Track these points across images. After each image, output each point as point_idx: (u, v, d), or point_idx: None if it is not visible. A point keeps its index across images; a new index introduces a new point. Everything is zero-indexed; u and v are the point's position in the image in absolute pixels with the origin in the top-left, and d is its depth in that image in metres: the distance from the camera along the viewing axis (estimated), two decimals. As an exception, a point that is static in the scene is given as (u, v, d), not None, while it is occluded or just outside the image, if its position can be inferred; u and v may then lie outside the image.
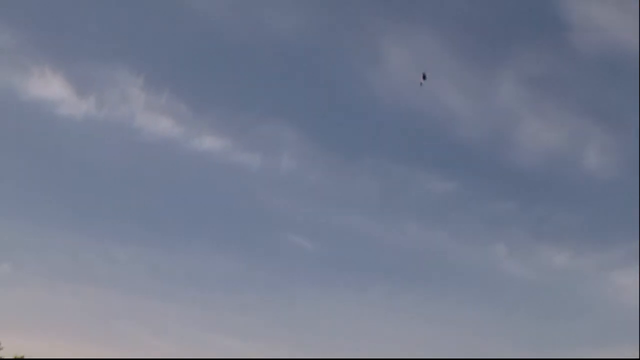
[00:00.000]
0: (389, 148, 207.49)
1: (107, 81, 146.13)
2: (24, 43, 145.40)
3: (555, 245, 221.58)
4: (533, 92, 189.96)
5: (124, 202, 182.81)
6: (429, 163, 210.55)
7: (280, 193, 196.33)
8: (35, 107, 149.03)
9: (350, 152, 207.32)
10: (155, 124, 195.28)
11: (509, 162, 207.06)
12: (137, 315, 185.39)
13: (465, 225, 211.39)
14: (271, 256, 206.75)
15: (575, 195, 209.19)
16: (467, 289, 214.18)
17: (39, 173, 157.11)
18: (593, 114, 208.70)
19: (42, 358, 43.82)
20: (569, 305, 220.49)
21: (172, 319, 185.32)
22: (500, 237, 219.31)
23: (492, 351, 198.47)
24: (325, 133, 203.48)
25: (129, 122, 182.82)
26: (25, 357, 42.90)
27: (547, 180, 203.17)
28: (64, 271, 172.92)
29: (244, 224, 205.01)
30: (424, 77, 53.84)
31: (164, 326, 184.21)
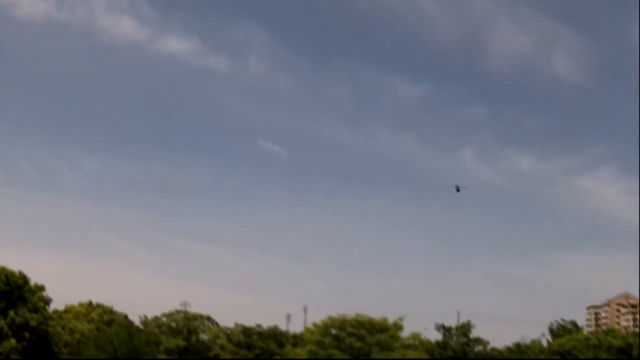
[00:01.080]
0: (361, 52, 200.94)
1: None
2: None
3: (521, 149, 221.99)
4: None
5: (87, 109, 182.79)
6: (401, 67, 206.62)
7: (249, 98, 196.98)
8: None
9: (321, 56, 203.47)
10: (118, 26, 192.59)
11: (480, 66, 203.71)
12: (110, 224, 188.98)
13: (435, 130, 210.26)
14: (243, 162, 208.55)
15: (543, 100, 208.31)
16: (435, 193, 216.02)
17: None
18: (566, 19, 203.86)
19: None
20: (534, 208, 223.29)
21: (144, 227, 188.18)
22: (469, 142, 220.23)
23: (459, 254, 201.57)
24: (296, 36, 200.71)
25: (90, 24, 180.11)
26: None
27: (516, 84, 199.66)
28: (32, 180, 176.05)
29: (212, 130, 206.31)
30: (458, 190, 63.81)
31: (136, 234, 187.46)
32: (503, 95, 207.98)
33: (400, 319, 45.91)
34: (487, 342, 78.81)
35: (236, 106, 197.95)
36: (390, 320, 45.81)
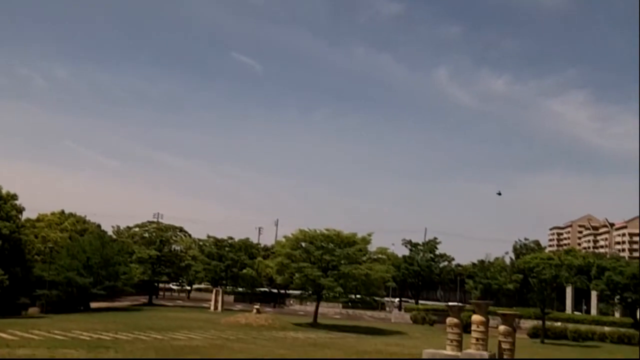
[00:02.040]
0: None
1: None
2: None
3: (495, 71, 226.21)
4: None
5: (59, 19, 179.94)
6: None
7: (224, 10, 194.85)
8: None
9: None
10: None
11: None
12: (83, 135, 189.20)
13: (411, 49, 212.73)
14: (216, 76, 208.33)
15: (519, 22, 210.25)
16: (410, 112, 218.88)
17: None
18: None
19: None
20: (506, 130, 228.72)
21: (117, 138, 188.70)
22: (444, 62, 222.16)
23: (430, 173, 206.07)
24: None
25: None
26: None
27: (493, 5, 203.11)
28: (3, 90, 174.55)
29: (186, 42, 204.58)
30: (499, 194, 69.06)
31: (110, 145, 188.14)
32: (480, 15, 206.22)
33: (369, 234, 46.89)
34: (452, 259, 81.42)
35: (210, 18, 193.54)
36: (359, 236, 46.71)
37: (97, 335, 27.85)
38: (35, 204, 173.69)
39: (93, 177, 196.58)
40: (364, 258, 46.65)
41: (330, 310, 64.17)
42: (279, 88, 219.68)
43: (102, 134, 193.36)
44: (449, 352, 23.18)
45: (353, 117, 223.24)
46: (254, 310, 44.29)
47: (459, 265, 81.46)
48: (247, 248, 70.14)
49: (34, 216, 69.44)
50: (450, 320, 23.93)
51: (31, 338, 25.44)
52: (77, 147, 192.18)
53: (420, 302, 74.18)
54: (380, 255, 48.79)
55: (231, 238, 69.10)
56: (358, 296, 53.01)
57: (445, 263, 79.85)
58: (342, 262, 44.58)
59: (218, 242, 67.87)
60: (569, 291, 68.06)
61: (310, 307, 53.00)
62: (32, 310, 48.12)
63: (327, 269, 45.28)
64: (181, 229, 72.29)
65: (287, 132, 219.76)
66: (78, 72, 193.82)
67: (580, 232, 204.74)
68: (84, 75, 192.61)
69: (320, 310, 51.20)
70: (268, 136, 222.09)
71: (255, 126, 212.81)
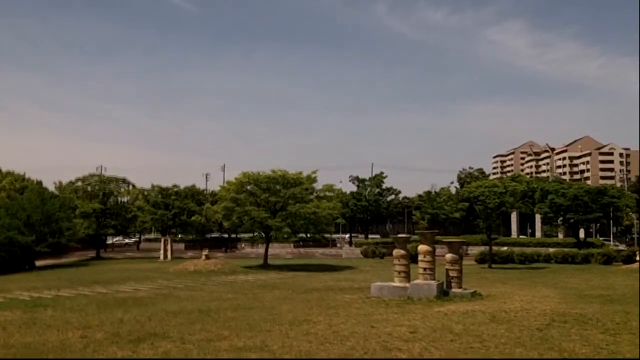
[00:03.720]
0: None
1: None
2: None
3: (433, 2, 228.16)
4: None
5: None
6: None
7: None
8: None
9: None
10: None
11: None
12: (15, 89, 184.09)
13: None
14: (152, 20, 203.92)
15: None
16: (350, 47, 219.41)
17: None
18: None
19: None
20: (445, 61, 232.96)
21: (52, 91, 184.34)
22: None
23: (373, 107, 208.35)
24: None
25: None
26: None
27: None
28: None
29: None
30: None
31: (44, 98, 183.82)
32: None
33: (314, 172, 46.49)
34: (399, 192, 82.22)
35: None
36: (305, 174, 46.25)
37: (38, 294, 26.90)
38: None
39: (30, 132, 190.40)
40: (311, 197, 46.36)
41: (282, 251, 64.25)
42: (216, 30, 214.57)
43: (36, 87, 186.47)
44: (397, 283, 23.15)
45: (294, 55, 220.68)
46: (203, 257, 43.76)
47: (405, 198, 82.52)
48: (193, 195, 69.18)
49: (-32, 177, 66.97)
50: (396, 252, 23.83)
51: (-35, 302, 24.35)
52: (11, 103, 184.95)
53: (370, 236, 75.00)
54: (327, 193, 48.59)
55: (176, 186, 67.96)
56: (308, 235, 53.02)
57: (392, 196, 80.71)
58: (289, 202, 44.20)
59: (163, 191, 66.70)
60: (514, 216, 69.70)
61: (262, 250, 52.79)
62: (-27, 273, 46.56)
63: (275, 211, 44.87)
64: (124, 180, 70.60)
65: (228, 74, 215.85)
66: (5, 25, 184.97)
67: (523, 158, 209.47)
68: (13, 28, 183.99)
69: (271, 251, 51.09)
70: (209, 79, 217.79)
71: (195, 70, 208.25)
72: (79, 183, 70.01)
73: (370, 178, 79.41)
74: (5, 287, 31.55)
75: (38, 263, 52.39)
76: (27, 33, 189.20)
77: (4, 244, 47.92)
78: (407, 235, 26.85)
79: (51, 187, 67.26)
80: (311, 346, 13.14)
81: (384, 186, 78.09)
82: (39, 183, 66.15)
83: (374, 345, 13.03)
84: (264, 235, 47.86)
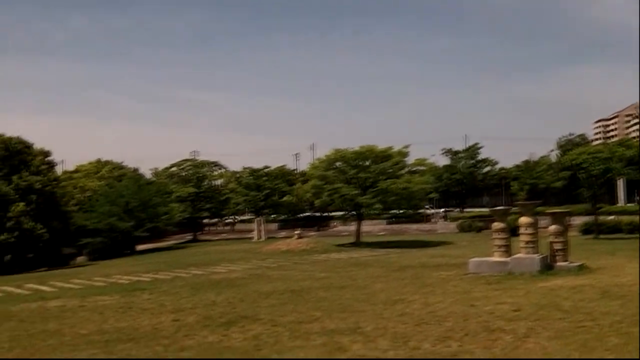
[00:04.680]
0: None
1: None
2: None
3: None
4: None
5: None
6: None
7: None
8: None
9: None
10: None
11: None
12: (107, 82, 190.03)
13: None
14: (233, 6, 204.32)
15: None
16: (435, 18, 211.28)
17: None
18: None
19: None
20: (539, 24, 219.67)
21: (142, 81, 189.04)
22: None
23: (463, 78, 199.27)
24: None
25: None
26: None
27: None
28: (20, 47, 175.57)
29: None
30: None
31: (135, 89, 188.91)
32: None
33: (405, 146, 45.21)
34: (496, 162, 79.42)
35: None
36: (395, 149, 45.14)
37: (137, 278, 27.41)
38: (72, 156, 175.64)
39: (125, 122, 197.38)
40: (402, 171, 45.24)
41: (375, 228, 63.43)
42: (296, 11, 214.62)
43: (126, 78, 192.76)
44: (496, 258, 21.93)
45: (377, 29, 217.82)
46: (295, 236, 43.67)
47: (502, 168, 79.57)
48: (284, 175, 69.42)
49: (71, 168, 69.97)
50: (495, 225, 22.59)
51: (69, 288, 25.05)
52: (105, 95, 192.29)
53: (466, 210, 72.95)
54: (419, 167, 47.35)
55: (267, 167, 68.28)
56: (401, 211, 52.02)
57: (489, 168, 78.12)
58: (380, 178, 43.27)
59: (254, 172, 67.12)
60: (620, 184, 65.80)
61: (354, 227, 52.22)
62: (80, 259, 48.61)
63: (365, 187, 44.06)
64: (216, 164, 71.86)
65: (310, 54, 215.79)
66: (95, 18, 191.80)
67: (628, 121, 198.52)
68: (102, 20, 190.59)
69: (364, 228, 50.41)
70: (291, 60, 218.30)
71: (277, 52, 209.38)
72: (174, 168, 71.81)
73: (464, 150, 77.22)
74: (107, 271, 32.50)
75: (138, 247, 54.07)
76: (114, 26, 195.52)
77: (105, 230, 49.73)
78: (507, 207, 25.51)
79: (147, 174, 69.33)
80: (406, 328, 12.36)
81: (479, 158, 75.76)
82: (136, 170, 68.23)
83: (474, 326, 12.09)
84: (354, 212, 47.25)
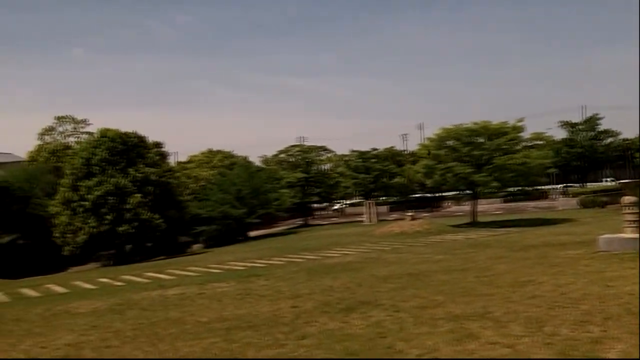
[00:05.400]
0: None
1: None
2: None
3: None
4: None
5: None
6: None
7: None
8: None
9: None
10: None
11: None
12: (213, 74, 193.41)
13: None
14: None
15: None
16: None
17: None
18: None
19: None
20: None
21: (246, 71, 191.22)
22: None
23: (573, 46, 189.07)
24: None
25: None
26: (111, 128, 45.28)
27: None
28: (130, 45, 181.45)
29: None
30: None
31: (240, 79, 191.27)
32: None
33: (520, 120, 43.06)
34: (618, 133, 74.74)
35: None
36: (510, 124, 43.12)
37: (252, 264, 27.54)
38: (183, 147, 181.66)
39: (233, 112, 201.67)
40: (518, 147, 43.19)
41: (490, 207, 61.40)
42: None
43: (230, 69, 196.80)
44: (628, 234, 20.17)
45: (471, 3, 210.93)
46: (408, 218, 42.73)
47: (626, 139, 74.77)
48: (393, 156, 68.48)
49: (184, 159, 72.14)
50: (626, 199, 20.76)
51: (187, 275, 25.46)
52: (211, 87, 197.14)
53: (587, 184, 69.27)
54: (536, 142, 45.09)
55: (375, 149, 67.54)
56: (518, 188, 49.90)
57: (611, 139, 73.67)
58: (495, 154, 41.48)
59: (363, 155, 66.54)
60: None
61: (468, 207, 50.63)
62: (196, 247, 49.91)
63: (480, 165, 42.40)
64: (324, 148, 71.85)
65: (408, 33, 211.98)
66: (199, 13, 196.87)
67: None
68: (206, 16, 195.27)
69: (479, 208, 48.72)
70: (390, 41, 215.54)
71: (376, 34, 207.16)
72: (282, 155, 72.50)
73: (583, 121, 73.10)
74: (222, 258, 32.96)
75: (250, 234, 54.94)
76: (217, 20, 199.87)
77: (219, 217, 50.81)
78: (638, 180, 23.50)
79: (257, 162, 70.40)
80: (540, 311, 11.31)
81: (599, 129, 71.48)
82: (246, 158, 69.40)
83: (614, 309, 10.87)
84: (469, 191, 45.68)
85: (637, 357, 8.30)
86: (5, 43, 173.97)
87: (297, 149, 71.92)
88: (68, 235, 41.65)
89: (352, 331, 11.15)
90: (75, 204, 41.73)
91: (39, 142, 63.55)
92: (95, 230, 40.81)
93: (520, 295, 13.20)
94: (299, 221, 68.84)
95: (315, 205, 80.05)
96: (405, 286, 16.21)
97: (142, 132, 46.82)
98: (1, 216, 43.47)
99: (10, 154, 78.39)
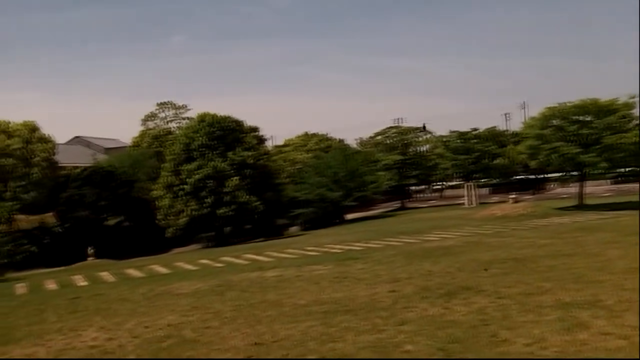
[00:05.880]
0: None
1: None
2: None
3: None
4: None
5: None
6: None
7: None
8: None
9: None
10: None
11: None
12: (309, 56, 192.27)
13: None
14: None
15: None
16: None
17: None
18: None
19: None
20: None
21: (342, 53, 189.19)
22: None
23: None
24: None
25: None
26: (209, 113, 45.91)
27: None
28: (232, 31, 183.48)
29: None
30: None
31: (336, 61, 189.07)
32: None
33: (632, 96, 40.38)
34: None
35: None
36: (621, 101, 40.59)
37: (349, 247, 27.35)
38: (280, 131, 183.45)
39: (329, 95, 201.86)
40: (630, 125, 40.63)
41: (598, 189, 58.57)
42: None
43: (326, 51, 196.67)
44: None
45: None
46: (510, 200, 41.33)
47: None
48: (494, 137, 66.30)
49: (281, 143, 72.99)
50: None
51: (285, 257, 25.60)
52: (305, 70, 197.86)
53: None
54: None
55: (475, 129, 65.66)
56: (628, 169, 47.19)
57: None
58: (604, 133, 39.21)
59: (462, 136, 64.85)
60: None
61: (574, 189, 48.38)
62: (293, 229, 50.37)
63: (587, 144, 40.23)
64: (422, 129, 70.68)
65: (506, 9, 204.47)
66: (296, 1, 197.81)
67: None
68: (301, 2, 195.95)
69: (586, 190, 46.47)
70: (483, 21, 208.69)
71: (468, 15, 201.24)
72: (379, 137, 71.89)
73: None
74: (319, 241, 33.00)
75: (347, 216, 54.89)
76: (312, 3, 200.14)
77: (316, 200, 51.04)
78: None
79: (353, 144, 70.20)
80: (657, 301, 10.49)
81: None
82: (342, 141, 69.32)
83: None
84: (576, 173, 43.57)
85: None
86: (111, 34, 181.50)
87: (394, 130, 71.09)
88: (170, 218, 43.01)
89: (454, 318, 10.72)
90: (176, 187, 42.98)
91: (142, 128, 65.93)
92: (195, 213, 41.90)
93: (634, 283, 12.33)
94: (396, 204, 68.21)
95: (413, 187, 79.05)
96: (508, 271, 15.54)
97: (240, 117, 47.59)
98: (108, 199, 45.40)
99: (116, 139, 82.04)
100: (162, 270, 25.59)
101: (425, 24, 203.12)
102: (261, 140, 48.35)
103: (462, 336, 9.31)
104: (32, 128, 50.02)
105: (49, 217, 46.95)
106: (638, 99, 39.14)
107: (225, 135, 44.66)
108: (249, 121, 48.71)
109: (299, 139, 72.62)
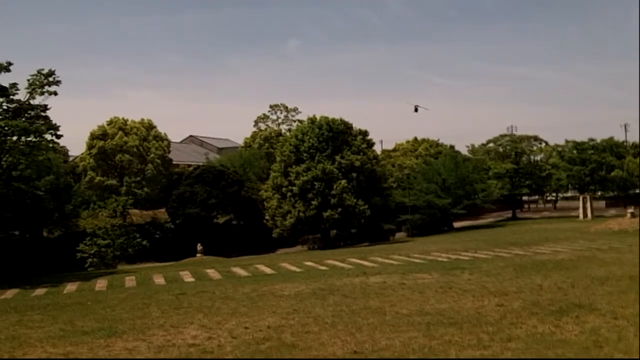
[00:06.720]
0: None
1: None
2: None
3: None
4: None
5: None
6: None
7: None
8: None
9: None
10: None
11: None
12: (423, 62, 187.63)
13: None
14: None
15: None
16: None
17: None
18: None
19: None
20: None
21: (457, 59, 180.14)
22: None
23: None
24: None
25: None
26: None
27: None
28: (341, 36, 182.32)
29: None
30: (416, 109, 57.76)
31: (450, 67, 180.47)
32: None
33: None
34: None
35: None
36: None
37: (455, 256, 26.83)
38: (388, 135, 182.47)
39: (441, 100, 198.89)
40: None
41: None
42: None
43: (442, 57, 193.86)
44: None
45: None
46: (628, 214, 39.15)
47: None
48: (612, 148, 63.18)
49: (390, 147, 72.74)
50: None
51: (389, 264, 25.42)
52: (420, 74, 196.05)
53: None
54: None
55: (592, 140, 62.86)
56: None
57: None
58: None
59: (578, 146, 62.23)
60: None
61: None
62: (399, 235, 50.06)
63: None
64: (536, 138, 68.41)
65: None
66: (410, 3, 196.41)
67: None
68: (416, 4, 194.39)
69: None
70: (614, 21, 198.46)
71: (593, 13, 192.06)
72: (491, 144, 70.16)
73: None
74: (425, 248, 32.58)
75: (455, 224, 53.91)
76: (428, 7, 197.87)
77: (423, 206, 50.52)
78: None
79: (464, 151, 68.84)
80: None
81: None
82: (452, 147, 68.13)
83: None
84: None
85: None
86: (226, 37, 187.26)
87: (507, 138, 69.18)
88: (277, 218, 43.82)
89: (565, 337, 10.24)
90: (284, 188, 43.75)
91: (254, 129, 67.61)
92: (302, 214, 42.45)
93: None
94: (507, 214, 66.31)
95: (525, 197, 76.55)
96: (625, 290, 14.70)
97: (350, 120, 47.74)
98: (218, 198, 46.85)
99: (228, 139, 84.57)
100: (267, 270, 26.02)
101: (538, 30, 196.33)
102: (370, 144, 48.27)
103: (573, 357, 8.89)
104: (149, 126, 52.50)
105: (161, 213, 49.03)
106: None
107: (335, 137, 45.03)
108: (358, 125, 48.85)
109: (408, 144, 72.10)
